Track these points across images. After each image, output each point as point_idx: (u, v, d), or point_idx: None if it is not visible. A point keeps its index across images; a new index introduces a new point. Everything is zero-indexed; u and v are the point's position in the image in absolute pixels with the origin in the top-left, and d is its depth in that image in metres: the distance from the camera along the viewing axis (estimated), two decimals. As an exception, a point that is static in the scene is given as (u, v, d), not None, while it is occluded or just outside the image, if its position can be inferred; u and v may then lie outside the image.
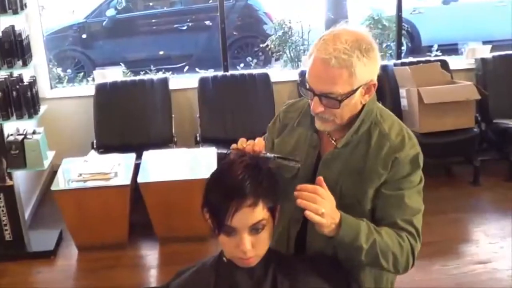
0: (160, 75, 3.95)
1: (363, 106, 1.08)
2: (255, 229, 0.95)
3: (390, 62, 3.81)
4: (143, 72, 4.09)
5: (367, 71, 1.03)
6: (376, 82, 1.06)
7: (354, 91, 1.03)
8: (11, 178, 2.55)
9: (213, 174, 1.01)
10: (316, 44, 1.04)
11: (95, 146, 3.31)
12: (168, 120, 3.45)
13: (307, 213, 0.96)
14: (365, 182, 1.07)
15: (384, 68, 3.67)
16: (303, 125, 1.15)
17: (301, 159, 1.10)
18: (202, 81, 3.50)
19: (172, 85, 3.56)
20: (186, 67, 4.58)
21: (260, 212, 0.95)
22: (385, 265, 1.05)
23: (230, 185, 0.95)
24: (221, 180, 0.97)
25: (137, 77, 3.73)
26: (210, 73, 3.87)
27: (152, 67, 4.20)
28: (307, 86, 1.04)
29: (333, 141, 1.11)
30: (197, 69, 4.16)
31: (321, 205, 0.97)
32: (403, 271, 1.08)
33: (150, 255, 2.66)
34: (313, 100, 1.04)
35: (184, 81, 3.88)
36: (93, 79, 3.73)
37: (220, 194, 0.95)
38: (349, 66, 1.00)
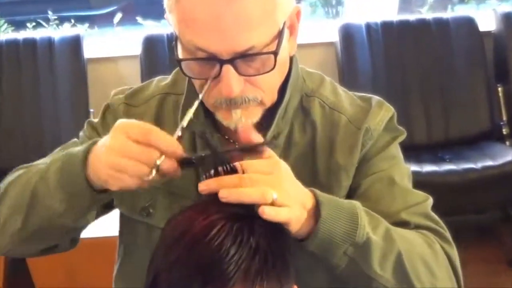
0: (67, 29, 4.01)
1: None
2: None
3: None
4: (33, 24, 4.13)
5: None
6: (299, 7, 1.17)
7: (282, 31, 1.10)
8: None
9: (166, 236, 1.03)
10: None
11: None
12: (82, 118, 3.45)
13: (264, 210, 0.98)
14: (326, 188, 1.17)
15: (505, 18, 3.72)
16: (190, 125, 1.21)
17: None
18: (150, 42, 3.56)
19: (89, 51, 3.60)
20: (118, 15, 4.51)
21: None
22: (416, 283, 1.11)
23: (197, 262, 0.97)
24: (181, 249, 0.99)
25: (21, 34, 3.77)
26: (164, 26, 3.89)
27: (51, 15, 4.21)
28: (202, 55, 1.08)
29: (236, 144, 1.18)
30: (138, 19, 4.25)
31: (267, 186, 1.00)
32: None
33: None
34: (220, 77, 1.08)
35: (114, 43, 4.01)
36: None
37: (179, 279, 0.97)
38: None
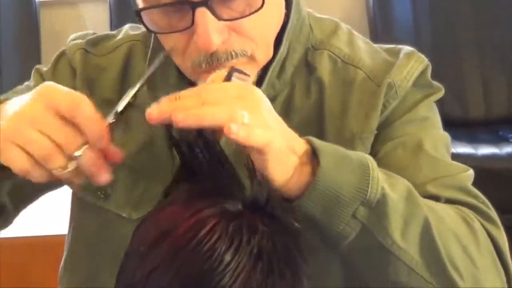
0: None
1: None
2: None
3: None
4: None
5: None
6: None
7: None
8: None
9: (139, 240, 1.03)
10: None
11: None
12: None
13: (231, 127, 0.96)
14: None
15: None
16: (156, 88, 1.26)
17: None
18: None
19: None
20: None
21: None
22: (451, 269, 1.07)
23: (182, 273, 0.97)
24: (160, 257, 1.00)
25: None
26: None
27: None
28: (167, 1, 1.10)
29: None
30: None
31: (233, 107, 0.99)
32: None
33: None
34: (194, 26, 1.09)
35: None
36: None
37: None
38: None
